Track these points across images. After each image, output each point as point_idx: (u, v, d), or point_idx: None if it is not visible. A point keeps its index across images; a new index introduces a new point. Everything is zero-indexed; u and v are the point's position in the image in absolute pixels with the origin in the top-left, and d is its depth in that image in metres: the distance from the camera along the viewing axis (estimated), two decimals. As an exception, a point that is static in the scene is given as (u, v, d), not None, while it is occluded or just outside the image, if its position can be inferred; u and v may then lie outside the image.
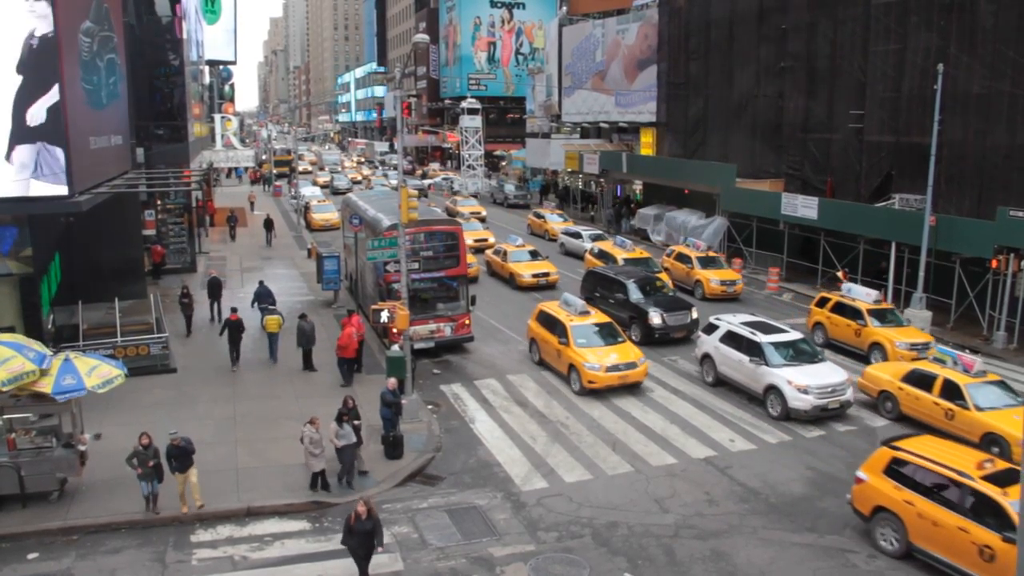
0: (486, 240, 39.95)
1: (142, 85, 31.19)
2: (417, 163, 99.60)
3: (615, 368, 20.77)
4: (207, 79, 55.18)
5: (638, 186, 50.80)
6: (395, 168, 63.10)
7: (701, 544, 13.97)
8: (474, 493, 15.86)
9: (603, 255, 33.67)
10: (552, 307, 23.54)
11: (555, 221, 45.60)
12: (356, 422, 16.18)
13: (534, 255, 34.57)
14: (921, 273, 26.96)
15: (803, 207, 32.17)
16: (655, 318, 25.21)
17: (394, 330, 20.40)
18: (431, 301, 24.14)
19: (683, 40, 45.31)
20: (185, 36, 37.67)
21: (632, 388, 21.21)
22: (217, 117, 52.30)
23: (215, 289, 27.37)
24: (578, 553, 13.65)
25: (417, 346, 22.34)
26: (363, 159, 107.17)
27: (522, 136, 77.98)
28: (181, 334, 24.94)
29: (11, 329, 17.97)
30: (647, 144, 50.54)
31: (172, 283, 31.80)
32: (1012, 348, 24.91)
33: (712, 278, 31.08)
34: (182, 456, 14.56)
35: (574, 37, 59.53)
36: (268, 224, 43.74)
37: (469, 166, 73.29)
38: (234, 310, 23.15)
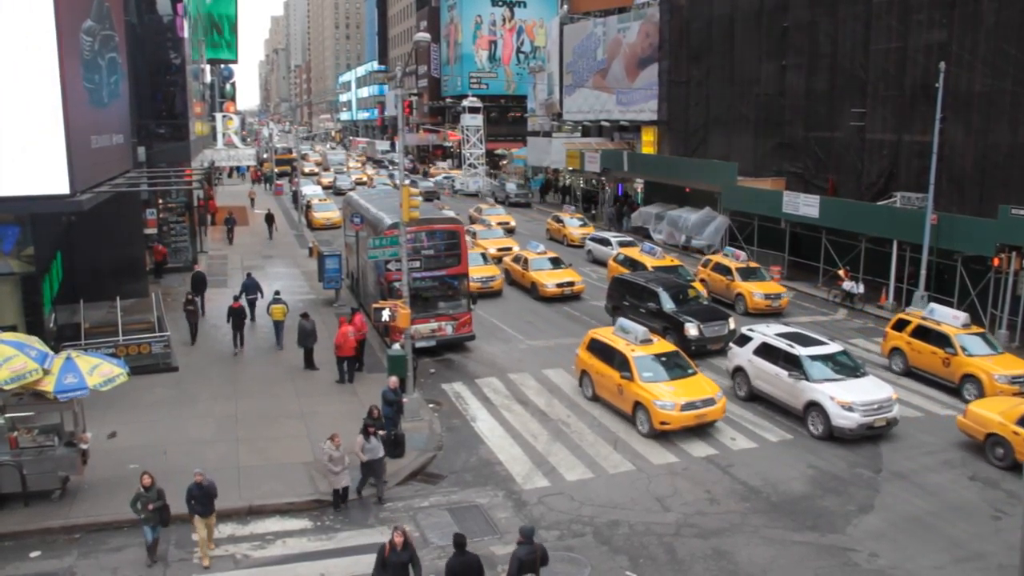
0: (510, 249, 37.10)
1: (143, 84, 31.14)
2: (418, 162, 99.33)
3: (691, 406, 18.07)
4: (208, 78, 55.24)
5: (639, 185, 50.80)
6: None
7: (702, 543, 13.97)
8: (475, 492, 15.87)
9: (629, 262, 31.75)
10: (606, 334, 20.87)
11: (574, 225, 43.44)
12: (382, 432, 16.08)
13: (556, 262, 32.48)
14: (923, 271, 26.96)
15: (805, 205, 32.13)
16: (692, 329, 23.53)
17: (395, 328, 20.41)
18: (432, 300, 24.14)
19: (684, 38, 45.34)
20: (186, 35, 37.69)
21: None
22: (218, 116, 52.43)
23: (199, 284, 27.88)
24: (579, 551, 13.65)
25: (418, 345, 22.37)
26: (364, 157, 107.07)
27: (523, 135, 77.92)
28: (185, 341, 24.38)
29: (13, 328, 18.01)
30: (648, 143, 50.57)
31: (174, 282, 31.84)
32: (1014, 347, 24.88)
33: (755, 291, 28.58)
34: (204, 499, 13.11)
35: (575, 35, 59.58)
36: (269, 219, 44.88)
37: (470, 165, 73.25)
38: (236, 298, 24.75)
